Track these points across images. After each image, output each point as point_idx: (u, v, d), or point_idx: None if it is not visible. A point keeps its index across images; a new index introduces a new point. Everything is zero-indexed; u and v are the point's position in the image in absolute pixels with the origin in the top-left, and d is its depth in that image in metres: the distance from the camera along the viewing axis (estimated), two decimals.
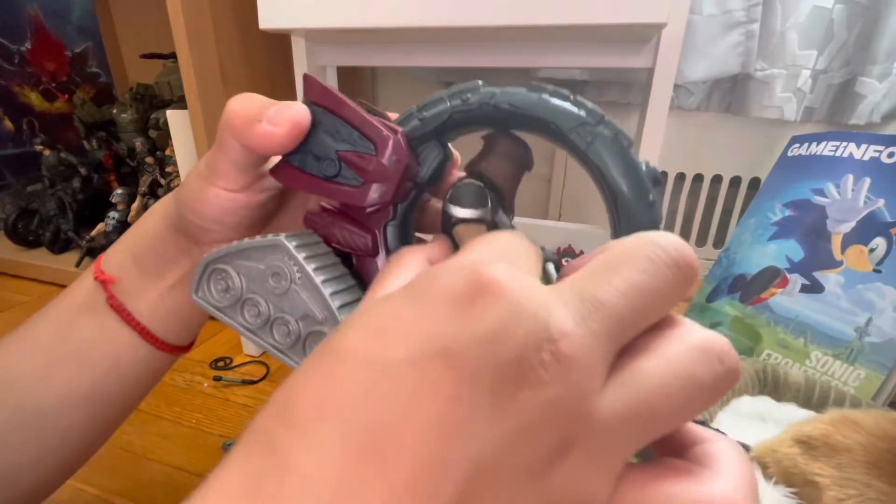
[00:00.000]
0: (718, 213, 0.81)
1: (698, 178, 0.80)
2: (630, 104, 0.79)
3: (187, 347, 0.28)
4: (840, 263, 0.49)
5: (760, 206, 0.59)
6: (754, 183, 0.78)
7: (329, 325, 0.18)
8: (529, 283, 0.11)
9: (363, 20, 0.48)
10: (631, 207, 0.16)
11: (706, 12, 0.66)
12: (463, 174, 0.20)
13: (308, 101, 0.19)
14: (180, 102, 0.77)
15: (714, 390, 0.11)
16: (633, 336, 0.11)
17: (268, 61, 0.64)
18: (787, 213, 0.55)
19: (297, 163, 0.19)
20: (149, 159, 0.81)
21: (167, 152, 0.79)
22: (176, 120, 0.60)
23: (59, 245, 0.83)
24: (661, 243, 0.12)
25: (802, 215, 0.53)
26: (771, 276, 0.53)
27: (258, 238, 0.18)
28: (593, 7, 0.43)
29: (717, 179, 0.80)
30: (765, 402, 0.42)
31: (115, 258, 0.25)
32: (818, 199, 0.52)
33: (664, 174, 0.81)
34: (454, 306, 0.10)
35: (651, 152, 0.52)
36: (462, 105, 0.17)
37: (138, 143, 0.82)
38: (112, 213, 0.77)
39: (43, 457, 0.25)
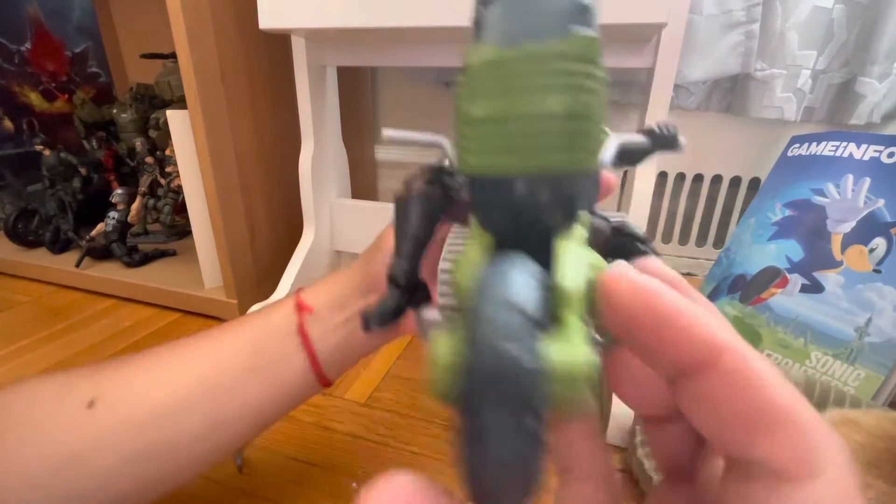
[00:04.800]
0: (718, 213, 0.81)
1: (698, 178, 0.80)
2: (630, 104, 0.79)
3: (330, 383, 0.31)
4: (840, 263, 0.49)
5: (760, 206, 0.59)
6: (754, 183, 0.78)
7: None
8: None
9: (363, 20, 0.48)
10: None
11: (706, 12, 0.66)
12: None
13: None
14: (180, 102, 0.77)
15: None
16: None
17: (268, 61, 0.64)
18: (787, 213, 0.55)
19: None
20: (149, 159, 0.81)
21: (167, 152, 0.79)
22: (176, 120, 0.60)
23: (60, 245, 0.83)
24: None
25: (802, 215, 0.53)
26: (771, 276, 0.53)
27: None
28: None
29: (717, 179, 0.80)
30: None
31: (312, 293, 0.29)
32: (818, 199, 0.52)
33: (664, 174, 0.81)
34: None
35: None
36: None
37: (138, 143, 0.82)
38: (112, 213, 0.77)
39: (210, 461, 0.28)
